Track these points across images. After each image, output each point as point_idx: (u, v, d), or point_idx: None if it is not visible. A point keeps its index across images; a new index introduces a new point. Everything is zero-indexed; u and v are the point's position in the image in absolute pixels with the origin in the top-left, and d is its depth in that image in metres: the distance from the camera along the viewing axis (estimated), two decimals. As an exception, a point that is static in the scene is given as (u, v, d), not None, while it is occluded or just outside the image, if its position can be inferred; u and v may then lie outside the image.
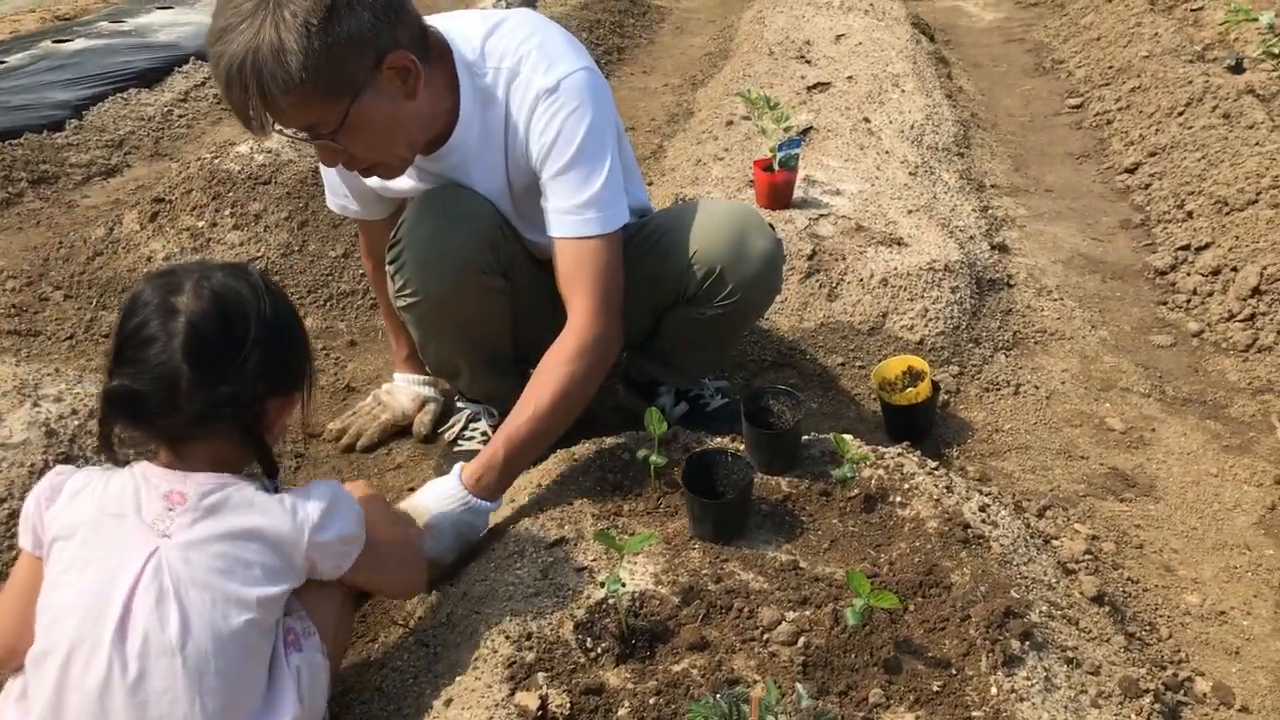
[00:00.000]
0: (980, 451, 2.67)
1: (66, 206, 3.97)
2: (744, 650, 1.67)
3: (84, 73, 5.10)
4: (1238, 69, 4.80)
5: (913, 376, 2.62)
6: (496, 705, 1.56)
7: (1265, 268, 3.20)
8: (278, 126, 1.80)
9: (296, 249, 3.33)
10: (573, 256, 2.02)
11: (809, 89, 4.59)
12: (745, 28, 5.99)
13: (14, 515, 2.00)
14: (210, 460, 1.52)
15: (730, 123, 4.29)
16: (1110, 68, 5.36)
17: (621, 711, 1.55)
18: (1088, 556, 2.21)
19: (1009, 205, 4.13)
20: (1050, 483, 2.56)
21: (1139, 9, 5.88)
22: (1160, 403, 2.90)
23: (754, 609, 1.74)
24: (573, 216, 2.01)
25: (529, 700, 1.55)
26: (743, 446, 2.14)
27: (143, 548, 1.43)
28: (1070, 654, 1.75)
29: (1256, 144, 3.88)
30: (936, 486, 2.05)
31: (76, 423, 2.29)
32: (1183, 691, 1.92)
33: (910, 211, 3.46)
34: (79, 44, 5.51)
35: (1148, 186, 4.14)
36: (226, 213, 3.37)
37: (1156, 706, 1.74)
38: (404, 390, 2.68)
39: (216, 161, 3.56)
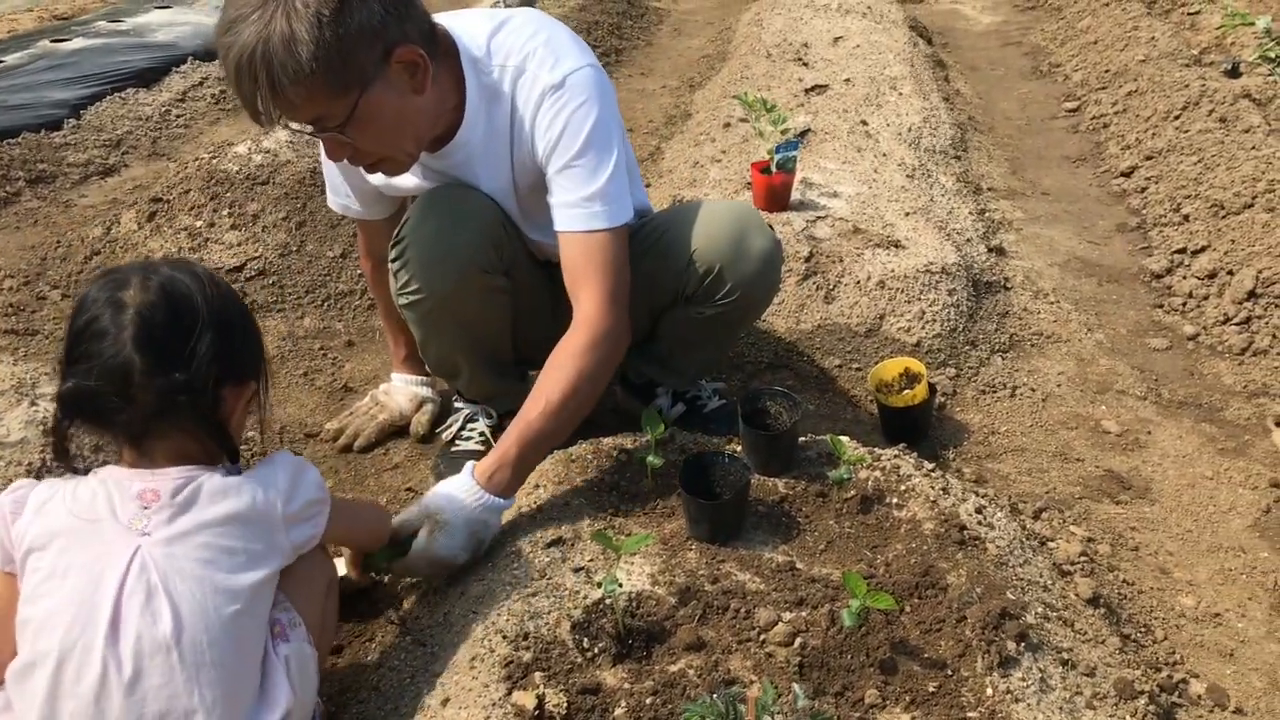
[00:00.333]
0: (976, 453, 2.68)
1: (64, 206, 3.97)
2: (740, 651, 1.67)
3: (82, 72, 5.09)
4: (1234, 73, 4.81)
5: (909, 378, 2.63)
6: (494, 704, 1.56)
7: (1261, 271, 3.21)
8: (284, 121, 1.80)
9: (294, 249, 3.33)
10: (580, 250, 2.01)
11: (806, 91, 4.60)
12: (743, 30, 6.00)
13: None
14: (174, 456, 1.52)
15: (728, 125, 4.30)
16: (1107, 71, 5.37)
17: (618, 711, 1.55)
18: (1083, 558, 2.22)
19: (1006, 208, 4.14)
20: (1046, 485, 2.57)
21: (1136, 13, 5.89)
22: (1156, 405, 2.91)
23: (750, 609, 1.74)
24: (579, 210, 2.00)
25: (526, 700, 1.55)
26: (739, 448, 2.15)
27: (125, 548, 1.43)
28: (1065, 655, 1.75)
29: (1252, 148, 3.89)
30: (933, 488, 2.05)
31: (74, 422, 2.29)
32: (1177, 693, 1.93)
33: (907, 214, 3.46)
34: (77, 43, 5.50)
35: (1144, 190, 4.15)
36: (224, 213, 3.37)
37: (1151, 708, 1.74)
38: (401, 390, 2.69)
39: (214, 161, 3.56)
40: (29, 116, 4.53)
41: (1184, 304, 3.38)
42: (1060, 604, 1.94)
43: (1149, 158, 4.33)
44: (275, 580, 1.55)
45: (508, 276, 2.19)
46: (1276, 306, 3.13)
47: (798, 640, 1.67)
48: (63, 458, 1.58)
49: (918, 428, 2.66)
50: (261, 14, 1.68)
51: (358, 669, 1.89)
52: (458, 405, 2.58)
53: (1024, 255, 3.72)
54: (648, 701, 1.56)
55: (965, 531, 1.93)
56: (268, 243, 3.32)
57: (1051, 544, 2.25)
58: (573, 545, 1.91)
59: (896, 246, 3.22)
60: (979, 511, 2.06)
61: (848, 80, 4.74)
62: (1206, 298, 3.34)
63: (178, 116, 4.91)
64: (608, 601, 1.71)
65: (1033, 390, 2.93)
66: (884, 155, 3.94)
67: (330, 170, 2.34)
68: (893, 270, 3.11)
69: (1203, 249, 3.52)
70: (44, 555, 1.44)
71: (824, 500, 2.04)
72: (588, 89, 1.99)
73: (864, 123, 4.23)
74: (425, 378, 2.69)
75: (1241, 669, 2.05)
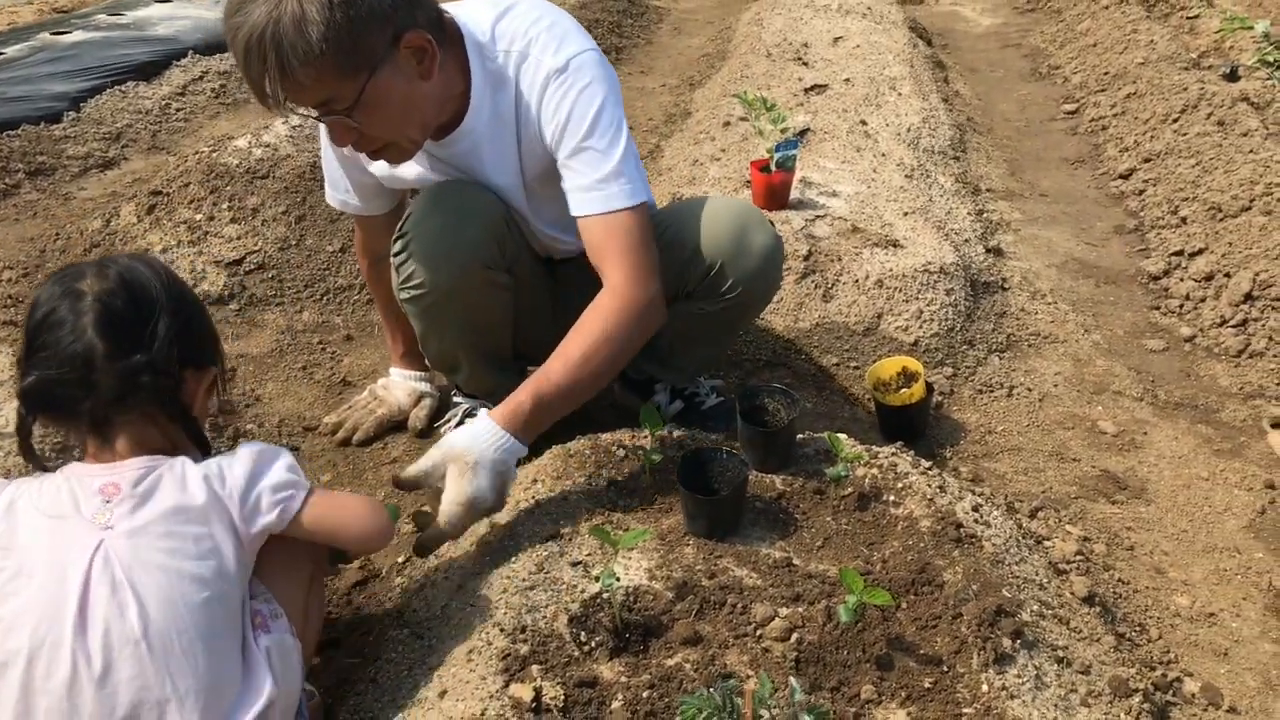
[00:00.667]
0: (973, 453, 2.69)
1: (63, 198, 3.97)
2: (737, 645, 1.68)
3: (82, 65, 5.08)
4: (1232, 77, 4.83)
5: (907, 377, 2.63)
6: (491, 697, 1.57)
7: (1257, 274, 3.22)
8: (290, 105, 1.81)
9: (294, 243, 3.33)
10: (602, 232, 1.99)
11: (806, 91, 4.61)
12: (743, 29, 6.01)
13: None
14: (137, 445, 1.53)
15: (727, 124, 4.31)
16: (1106, 74, 5.38)
17: (615, 704, 1.56)
18: (1079, 557, 2.23)
19: (1004, 209, 4.15)
20: (1042, 484, 2.58)
21: (1135, 16, 5.91)
22: (1152, 406, 2.91)
23: (747, 605, 1.75)
24: (596, 192, 1.98)
25: (523, 692, 1.56)
26: (737, 444, 2.15)
27: (88, 543, 1.43)
28: (1061, 653, 1.76)
29: (1250, 151, 3.91)
30: (930, 486, 2.06)
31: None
32: (1171, 692, 1.94)
33: (906, 214, 3.47)
34: (77, 36, 5.49)
35: (1142, 192, 4.16)
36: (224, 206, 3.37)
37: (1146, 706, 1.75)
38: (400, 385, 2.69)
39: (214, 155, 3.56)
40: (28, 109, 4.52)
41: (1181, 306, 3.39)
42: (1056, 602, 1.94)
43: (1147, 160, 4.34)
44: (248, 566, 1.54)
45: (510, 273, 2.19)
46: (1273, 309, 3.14)
47: (794, 636, 1.68)
48: (29, 456, 1.59)
49: (915, 426, 2.66)
50: None
51: (355, 661, 1.89)
52: (456, 400, 2.58)
53: (1022, 256, 3.73)
54: (644, 695, 1.57)
55: (962, 529, 1.94)
56: (267, 236, 3.32)
57: (1047, 543, 2.26)
58: (570, 540, 1.92)
59: (895, 246, 3.23)
60: (975, 510, 2.07)
61: (847, 80, 4.75)
62: (1203, 300, 3.35)
63: (177, 110, 4.91)
64: (605, 596, 1.72)
65: (1029, 390, 2.94)
66: (883, 155, 3.95)
67: (330, 165, 2.34)
68: (891, 269, 3.12)
69: (1200, 251, 3.53)
70: (10, 554, 1.45)
71: (821, 497, 2.04)
72: (591, 71, 1.99)
73: (863, 123, 4.24)
74: (423, 373, 2.69)
75: (1235, 668, 2.06)
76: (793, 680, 1.50)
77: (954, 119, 4.81)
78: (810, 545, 1.93)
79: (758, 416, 2.15)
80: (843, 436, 2.11)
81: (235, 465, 1.56)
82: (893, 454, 2.16)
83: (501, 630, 1.69)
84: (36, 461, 1.60)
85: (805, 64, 5.01)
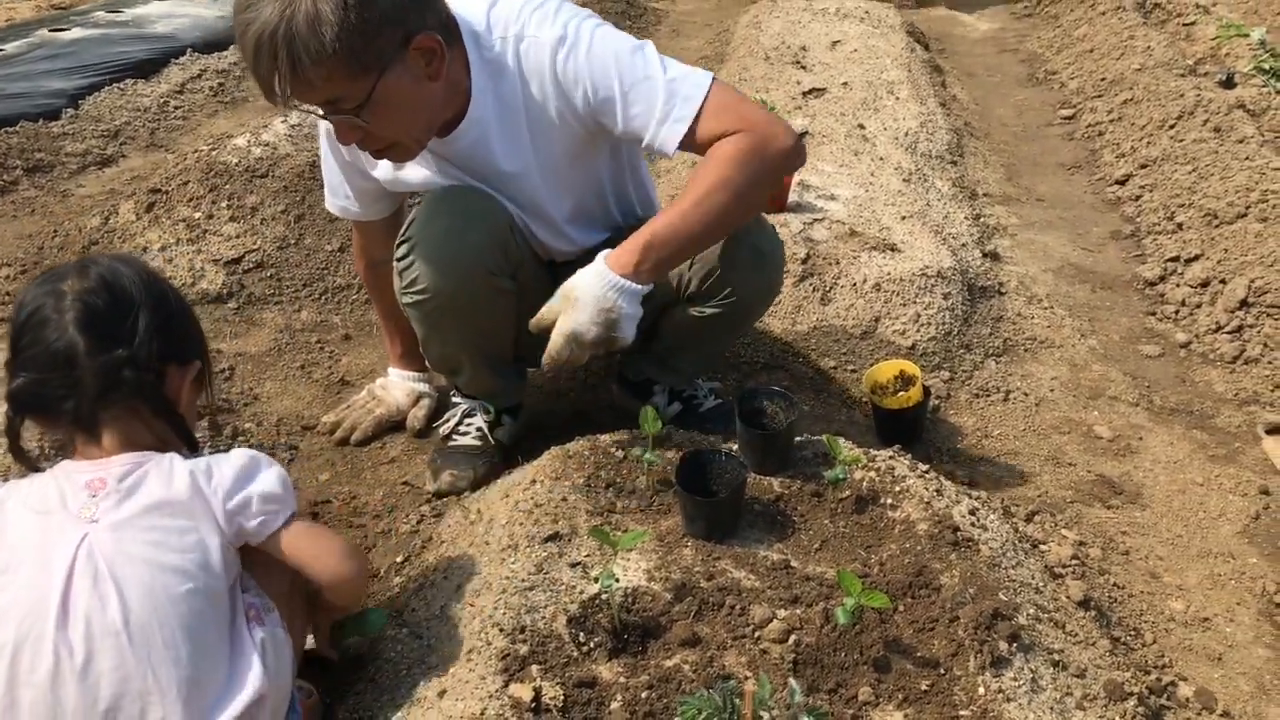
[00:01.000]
0: (970, 456, 2.70)
1: (61, 195, 3.97)
2: (735, 647, 1.68)
3: (80, 62, 5.08)
4: (1229, 84, 4.85)
5: (904, 381, 2.64)
6: (490, 696, 1.57)
7: (1253, 281, 3.24)
8: (295, 102, 1.81)
9: (293, 242, 3.33)
10: (703, 132, 1.94)
11: (804, 94, 4.62)
12: (741, 32, 6.02)
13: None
14: (124, 442, 1.54)
15: (726, 126, 4.31)
16: (1103, 80, 5.41)
17: (614, 705, 1.56)
18: (1074, 561, 2.24)
19: (1001, 214, 4.17)
20: (1038, 488, 2.59)
21: (1132, 22, 5.93)
22: (1148, 412, 2.93)
23: (745, 606, 1.75)
24: (671, 111, 1.93)
25: (523, 692, 1.56)
26: (735, 447, 2.16)
27: (73, 537, 1.44)
28: (1056, 656, 1.77)
29: (1246, 158, 3.93)
30: (927, 489, 2.07)
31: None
32: (1166, 696, 1.95)
33: (904, 218, 3.48)
34: (76, 33, 5.49)
35: (1138, 198, 4.18)
36: (223, 205, 3.37)
37: (1140, 709, 1.76)
38: (398, 385, 2.69)
39: (214, 154, 3.57)
40: (27, 105, 4.53)
41: (1176, 312, 3.41)
42: (1052, 606, 1.95)
43: (1143, 166, 4.36)
44: (234, 561, 1.54)
45: (513, 278, 2.19)
46: (1268, 316, 3.16)
47: (792, 637, 1.68)
48: (20, 456, 1.60)
49: (912, 430, 2.67)
50: None
51: (354, 660, 1.89)
52: (455, 400, 2.59)
53: (1018, 261, 3.74)
54: (643, 695, 1.58)
55: (959, 533, 1.95)
56: (266, 235, 3.32)
57: (1043, 547, 2.27)
58: (569, 541, 1.92)
59: (892, 250, 3.24)
60: (972, 513, 2.08)
61: (845, 84, 4.77)
62: (1199, 306, 3.37)
63: (176, 108, 4.91)
64: (604, 597, 1.72)
65: (1026, 394, 2.95)
66: (881, 159, 3.96)
67: (330, 171, 2.34)
68: (889, 273, 3.13)
69: (1196, 257, 3.54)
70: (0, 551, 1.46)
71: (819, 500, 2.05)
72: (590, 25, 1.99)
73: (861, 126, 4.25)
74: (422, 373, 2.69)
75: (1229, 673, 2.07)
76: (792, 681, 1.51)
77: (951, 124, 4.83)
78: (808, 547, 1.94)
79: (756, 419, 2.15)
80: (841, 439, 2.12)
81: (225, 464, 1.56)
82: (890, 457, 2.17)
83: (501, 630, 1.70)
84: (28, 462, 1.61)
85: (803, 67, 5.02)
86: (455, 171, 2.16)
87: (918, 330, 3.04)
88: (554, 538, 1.92)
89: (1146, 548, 2.41)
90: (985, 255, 3.59)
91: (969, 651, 1.68)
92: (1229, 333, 3.20)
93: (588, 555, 1.88)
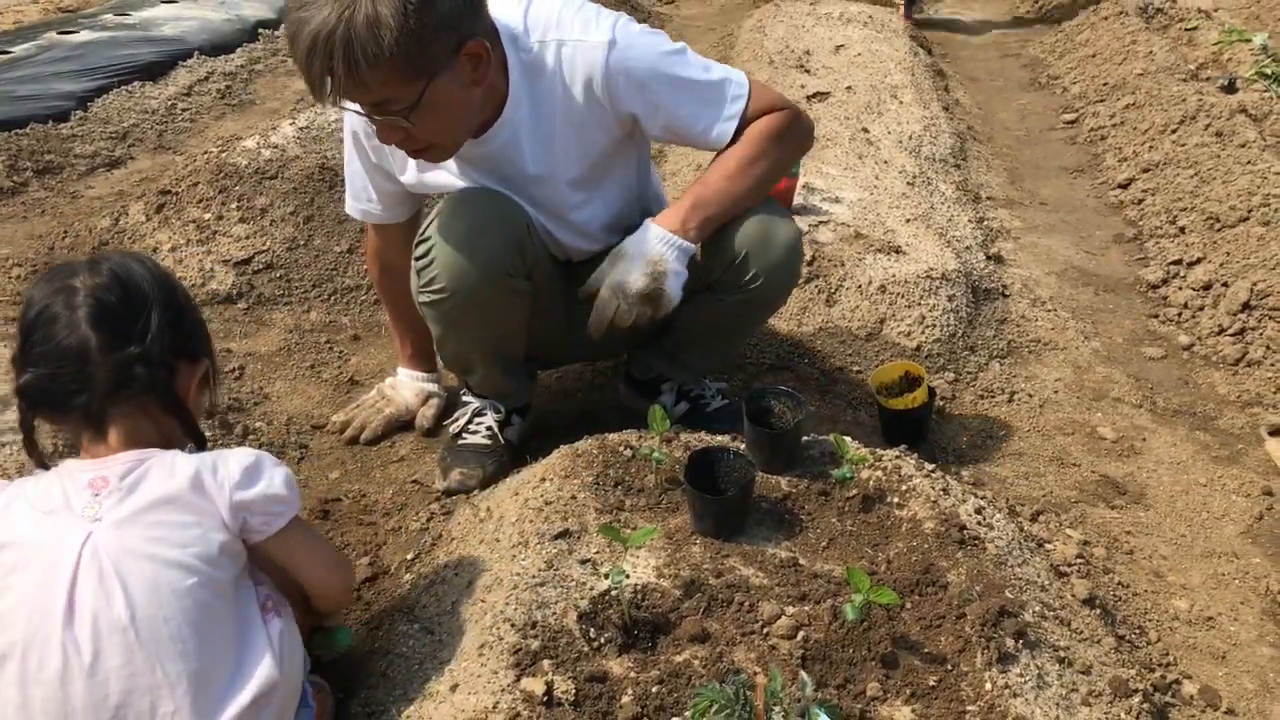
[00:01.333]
0: (975, 456, 2.72)
1: (71, 197, 3.99)
2: (744, 643, 1.70)
3: (89, 64, 5.10)
4: (1230, 89, 4.87)
5: (909, 382, 2.66)
6: (503, 690, 1.59)
7: (1255, 284, 3.26)
8: (343, 101, 1.84)
9: (302, 243, 3.35)
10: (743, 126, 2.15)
11: (809, 98, 4.64)
12: (745, 37, 6.04)
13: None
14: (130, 439, 1.54)
15: (731, 129, 4.33)
16: (1105, 84, 5.43)
17: (625, 699, 1.58)
18: (1079, 560, 2.26)
19: (1004, 217, 4.19)
20: (1043, 488, 2.61)
21: (1134, 27, 5.95)
22: (1151, 413, 2.95)
23: (754, 603, 1.77)
24: (724, 120, 2.13)
25: (535, 686, 1.58)
26: (743, 445, 2.17)
27: (77, 536, 1.45)
28: (1062, 653, 1.78)
29: (1248, 162, 3.95)
30: (933, 488, 2.08)
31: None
32: (1170, 693, 1.97)
33: (908, 220, 3.50)
34: (84, 36, 5.51)
35: (1141, 202, 4.20)
36: (233, 206, 3.40)
37: (1145, 706, 1.78)
38: (407, 385, 2.71)
39: (223, 155, 3.59)
40: (36, 107, 4.54)
41: (1179, 314, 3.43)
42: (1057, 604, 1.97)
43: (1146, 170, 4.38)
44: (240, 554, 1.55)
45: (529, 279, 2.21)
46: (1270, 318, 3.18)
47: (800, 634, 1.70)
48: (33, 453, 1.61)
49: (917, 431, 2.69)
50: None
51: (366, 655, 1.91)
52: (465, 399, 2.60)
53: (1022, 263, 3.76)
54: (654, 690, 1.59)
55: (965, 531, 1.96)
56: (275, 236, 3.34)
57: (1048, 546, 2.29)
58: (579, 538, 1.94)
59: (897, 252, 3.26)
60: (978, 512, 2.09)
61: (849, 88, 4.79)
62: (1201, 309, 3.39)
63: (183, 110, 4.93)
64: (614, 593, 1.74)
65: (1030, 396, 2.97)
66: (885, 162, 3.98)
67: (354, 174, 2.36)
68: (893, 275, 3.15)
69: (1198, 261, 3.56)
70: (7, 551, 1.46)
71: (826, 498, 2.07)
72: (636, 29, 2.11)
73: (865, 130, 4.27)
74: (431, 373, 2.71)
75: (1233, 671, 2.09)
76: (803, 674, 1.53)
77: (955, 127, 4.85)
78: (816, 545, 1.96)
79: (764, 418, 2.17)
80: (848, 438, 2.14)
81: (231, 460, 1.56)
82: (897, 457, 2.19)
83: (512, 625, 1.72)
84: (40, 459, 1.61)
85: (807, 71, 5.04)
86: (480, 175, 2.18)
87: (923, 332, 3.06)
88: (564, 535, 1.94)
89: (1150, 547, 2.43)
90: (989, 258, 3.61)
91: (976, 648, 1.69)
92: (1231, 335, 3.22)
93: (597, 552, 1.90)
